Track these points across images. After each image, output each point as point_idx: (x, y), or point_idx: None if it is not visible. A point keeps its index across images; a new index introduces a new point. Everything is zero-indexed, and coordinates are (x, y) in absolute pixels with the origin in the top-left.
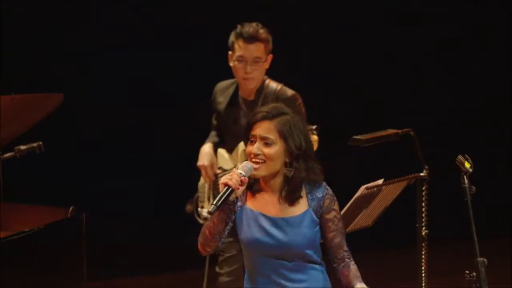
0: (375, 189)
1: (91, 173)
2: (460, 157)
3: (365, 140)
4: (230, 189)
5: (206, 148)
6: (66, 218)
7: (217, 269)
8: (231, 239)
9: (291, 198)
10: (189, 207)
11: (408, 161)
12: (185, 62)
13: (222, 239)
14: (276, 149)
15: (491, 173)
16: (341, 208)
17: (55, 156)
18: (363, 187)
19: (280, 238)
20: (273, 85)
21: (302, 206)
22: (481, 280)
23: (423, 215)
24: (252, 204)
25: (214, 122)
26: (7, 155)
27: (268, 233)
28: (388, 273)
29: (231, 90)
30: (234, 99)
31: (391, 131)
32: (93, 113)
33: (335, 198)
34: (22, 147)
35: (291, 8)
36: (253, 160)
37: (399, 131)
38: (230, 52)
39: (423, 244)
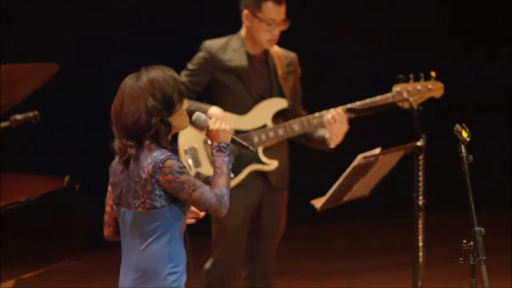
0: (372, 158)
1: (87, 142)
2: (457, 126)
3: (362, 109)
4: None
5: (216, 109)
6: (62, 188)
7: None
8: None
9: None
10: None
11: (405, 130)
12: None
13: None
14: None
15: (489, 142)
16: (338, 177)
17: (51, 126)
18: (360, 156)
19: None
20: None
21: None
22: (478, 250)
23: (420, 184)
24: None
25: (196, 87)
26: (3, 124)
27: None
28: (385, 243)
29: (237, 47)
30: (248, 56)
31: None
32: (89, 83)
33: None
34: (18, 117)
35: None
36: None
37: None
38: (246, 12)
39: (420, 214)
